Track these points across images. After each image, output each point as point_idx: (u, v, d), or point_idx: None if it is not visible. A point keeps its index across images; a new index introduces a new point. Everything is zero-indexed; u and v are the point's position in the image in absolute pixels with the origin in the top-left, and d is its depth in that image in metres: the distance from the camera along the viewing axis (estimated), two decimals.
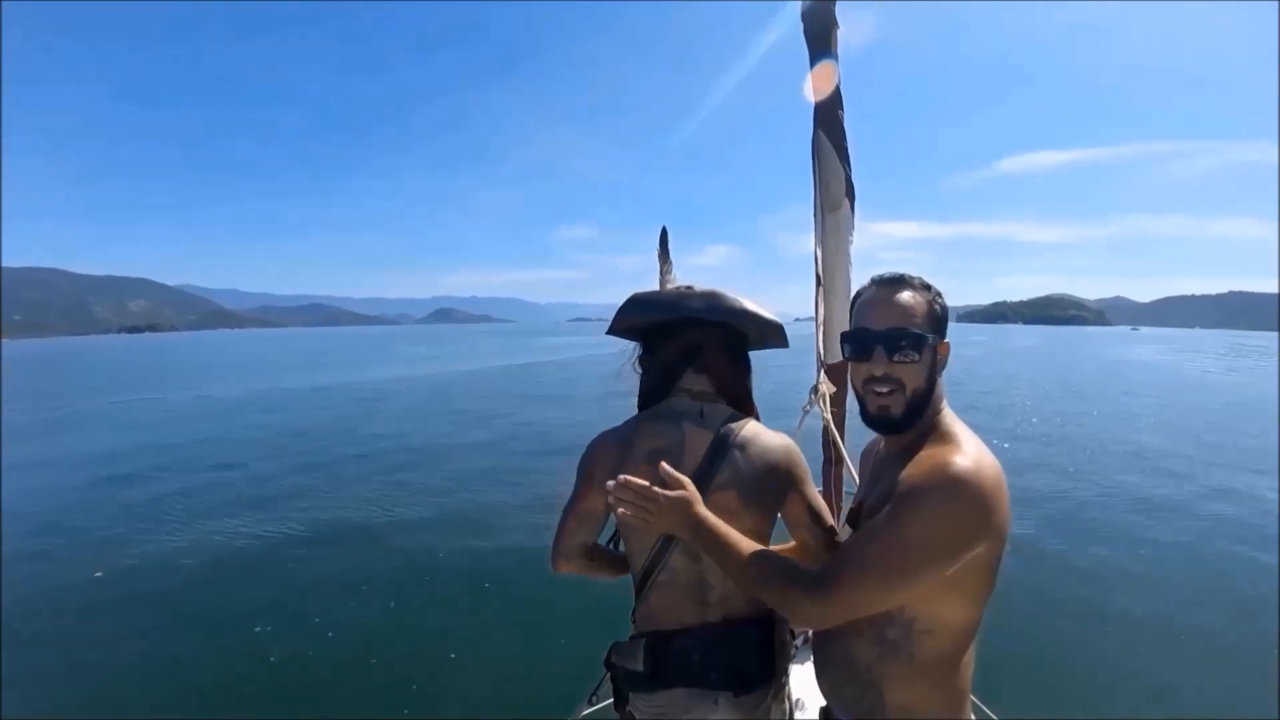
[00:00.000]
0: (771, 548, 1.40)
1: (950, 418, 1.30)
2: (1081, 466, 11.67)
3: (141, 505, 9.96)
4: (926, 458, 1.20)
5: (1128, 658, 5.32)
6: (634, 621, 1.53)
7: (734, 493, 1.42)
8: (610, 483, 1.33)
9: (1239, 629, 5.83)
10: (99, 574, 6.43)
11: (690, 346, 1.52)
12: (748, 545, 1.28)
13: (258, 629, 5.68)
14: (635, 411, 1.60)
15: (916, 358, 1.25)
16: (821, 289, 2.30)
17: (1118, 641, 5.58)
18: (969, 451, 1.18)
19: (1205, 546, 8.12)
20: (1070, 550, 7.82)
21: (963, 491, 1.12)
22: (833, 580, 1.17)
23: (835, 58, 2.09)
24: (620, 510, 1.32)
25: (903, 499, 1.15)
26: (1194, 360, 46.38)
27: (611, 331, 1.62)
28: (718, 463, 1.42)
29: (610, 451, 1.48)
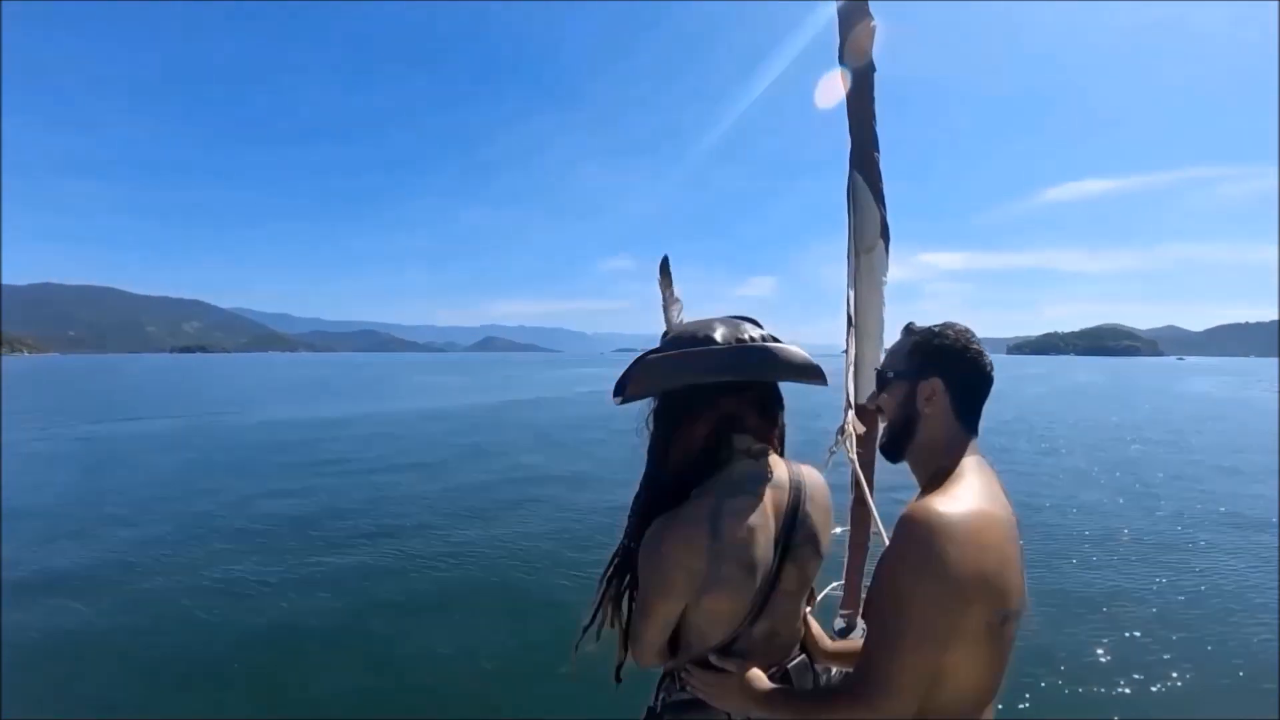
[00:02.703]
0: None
1: (967, 466, 1.25)
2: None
3: (142, 509, 10.17)
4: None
5: (1126, 657, 5.24)
6: (682, 687, 1.44)
7: (811, 546, 1.39)
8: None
9: (1239, 628, 5.75)
10: None
11: (762, 401, 1.41)
12: (793, 699, 1.34)
13: (260, 630, 5.75)
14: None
15: (884, 395, 1.38)
16: (853, 329, 2.28)
17: (1116, 641, 5.51)
18: (938, 498, 1.16)
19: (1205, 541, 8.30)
20: (1070, 556, 7.83)
21: (909, 535, 1.12)
22: (871, 674, 1.14)
23: (872, 98, 2.10)
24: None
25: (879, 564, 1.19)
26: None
27: (660, 390, 1.39)
28: (797, 520, 1.37)
29: (696, 548, 1.28)
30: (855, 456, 2.28)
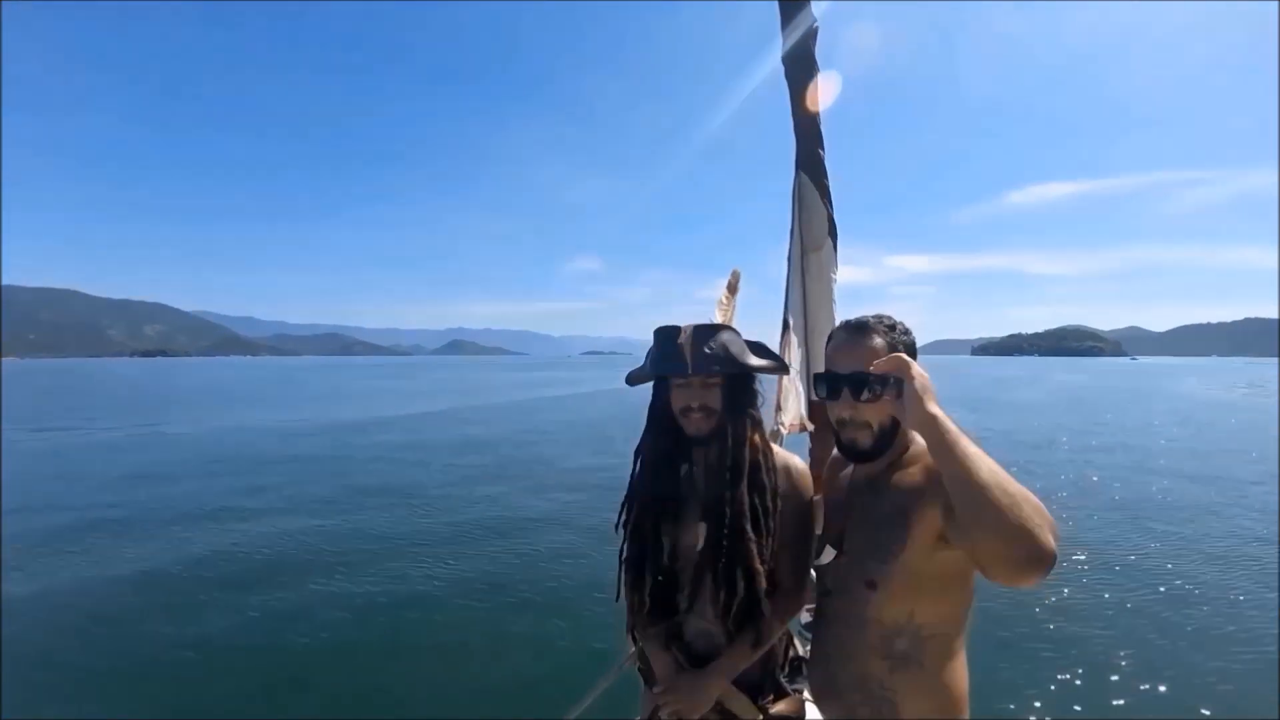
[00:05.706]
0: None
1: (916, 438, 1.38)
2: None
3: (140, 510, 10.10)
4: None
5: (1127, 657, 5.27)
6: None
7: None
8: None
9: (1239, 629, 5.78)
10: None
11: None
12: None
13: (259, 630, 5.73)
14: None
15: (878, 397, 1.29)
16: (788, 332, 2.26)
17: (1117, 641, 5.54)
18: None
19: (1206, 545, 8.33)
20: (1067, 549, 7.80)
21: None
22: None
23: (817, 99, 2.10)
24: None
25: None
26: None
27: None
28: None
29: None
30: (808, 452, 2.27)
